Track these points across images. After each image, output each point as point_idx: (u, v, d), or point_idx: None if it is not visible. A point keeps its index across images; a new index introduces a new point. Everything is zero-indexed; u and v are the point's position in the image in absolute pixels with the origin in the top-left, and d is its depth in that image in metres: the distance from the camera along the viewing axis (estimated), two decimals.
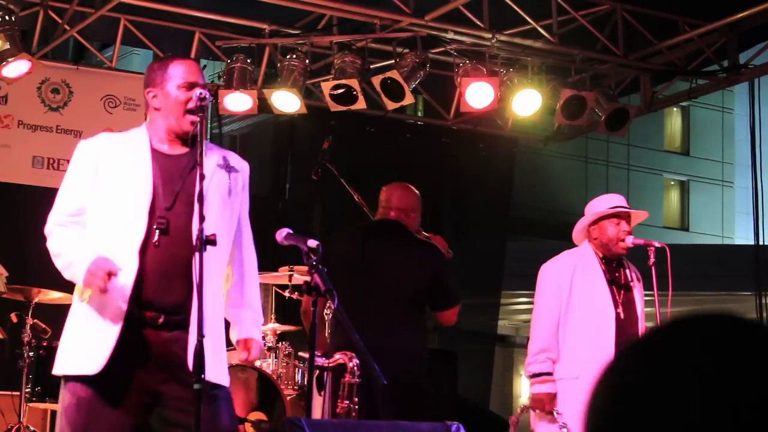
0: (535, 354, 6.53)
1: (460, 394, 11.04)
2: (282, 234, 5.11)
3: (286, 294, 8.62)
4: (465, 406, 11.08)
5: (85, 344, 4.47)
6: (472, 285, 15.34)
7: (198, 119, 4.54)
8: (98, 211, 4.56)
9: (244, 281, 4.84)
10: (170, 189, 4.53)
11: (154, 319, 4.48)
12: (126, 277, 4.43)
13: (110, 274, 4.32)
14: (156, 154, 4.62)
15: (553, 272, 6.62)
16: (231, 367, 7.10)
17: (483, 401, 13.19)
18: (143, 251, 4.47)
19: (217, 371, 4.51)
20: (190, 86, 4.61)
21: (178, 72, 4.65)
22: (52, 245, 4.61)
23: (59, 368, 4.57)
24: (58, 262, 4.58)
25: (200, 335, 4.21)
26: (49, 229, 4.64)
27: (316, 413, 7.20)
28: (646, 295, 6.71)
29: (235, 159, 4.84)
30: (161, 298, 4.48)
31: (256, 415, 7.59)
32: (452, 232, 15.60)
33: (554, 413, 6.37)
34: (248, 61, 10.90)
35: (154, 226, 4.49)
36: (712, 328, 1.35)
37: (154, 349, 4.48)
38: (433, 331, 18.44)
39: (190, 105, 4.58)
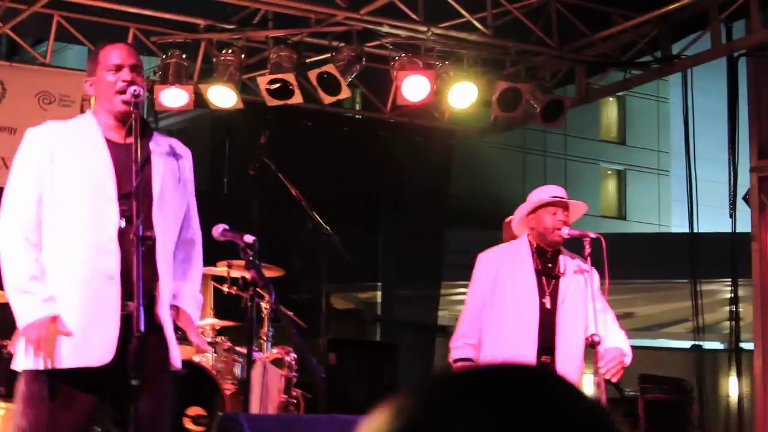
0: (456, 340, 6.60)
1: (401, 386, 11.06)
2: (218, 230, 5.13)
3: (225, 289, 8.61)
4: None
5: (84, 337, 4.44)
6: (411, 276, 15.42)
7: (130, 99, 4.56)
8: (62, 201, 4.54)
9: (190, 260, 4.88)
10: (127, 178, 4.52)
11: (128, 308, 4.47)
12: (111, 267, 4.45)
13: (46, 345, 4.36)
14: (108, 142, 4.64)
15: (482, 262, 6.69)
16: None
17: None
18: (120, 240, 4.49)
19: (176, 356, 4.62)
20: (118, 68, 4.64)
21: (106, 56, 4.70)
22: (6, 250, 4.54)
23: (48, 362, 4.45)
24: (7, 275, 4.53)
25: (138, 331, 4.24)
26: (9, 231, 4.55)
27: (255, 407, 7.23)
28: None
29: (180, 147, 4.91)
30: (129, 287, 4.46)
31: (195, 410, 7.58)
32: (391, 225, 15.67)
33: None
34: (183, 56, 10.89)
35: (121, 217, 4.51)
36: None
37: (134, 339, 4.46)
38: (373, 323, 18.55)
39: (119, 86, 4.60)
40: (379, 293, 17.50)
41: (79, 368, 4.43)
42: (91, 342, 4.44)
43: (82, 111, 9.67)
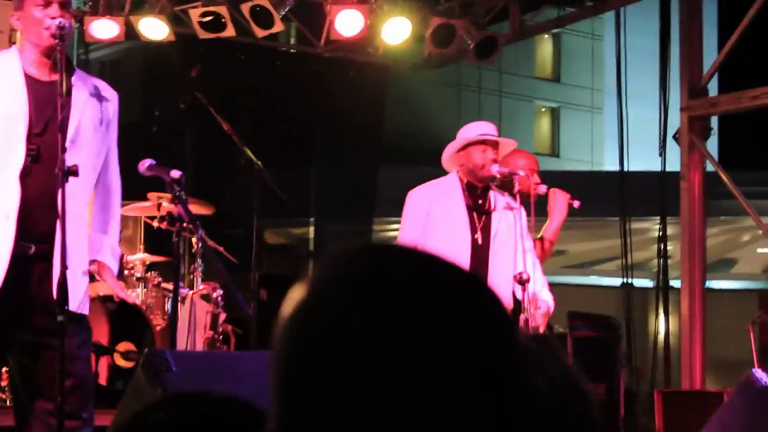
0: None
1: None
2: (144, 165, 5.09)
3: (155, 224, 8.57)
4: None
5: None
6: (345, 212, 15.45)
7: (56, 33, 4.50)
8: None
9: (109, 208, 4.84)
10: (43, 116, 4.49)
11: (26, 249, 4.43)
12: (9, 206, 4.40)
13: None
14: (29, 79, 4.59)
15: (412, 200, 6.71)
16: (99, 297, 7.09)
17: None
18: (22, 179, 4.44)
19: (76, 300, 4.52)
20: (47, 4, 4.58)
21: None
22: None
23: None
24: None
25: (63, 266, 4.21)
26: None
27: (182, 344, 7.23)
28: None
29: (105, 88, 4.85)
30: (35, 227, 4.43)
31: (125, 346, 7.58)
32: (325, 161, 15.67)
33: None
34: None
35: (29, 153, 4.45)
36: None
37: (30, 279, 4.44)
38: (306, 258, 18.57)
39: (46, 23, 4.53)
40: (311, 229, 17.52)
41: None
42: None
43: (11, 41, 9.56)
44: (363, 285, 1.30)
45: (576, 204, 7.49)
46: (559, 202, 7.36)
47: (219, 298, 7.81)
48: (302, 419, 1.26)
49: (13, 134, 4.46)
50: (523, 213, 6.75)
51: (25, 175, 4.44)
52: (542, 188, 7.01)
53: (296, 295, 1.34)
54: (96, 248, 4.72)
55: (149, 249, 8.99)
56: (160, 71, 14.55)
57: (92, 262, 4.72)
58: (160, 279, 8.48)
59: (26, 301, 4.41)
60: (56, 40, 4.51)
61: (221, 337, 7.91)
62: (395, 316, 1.26)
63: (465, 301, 1.31)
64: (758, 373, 5.19)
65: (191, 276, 8.60)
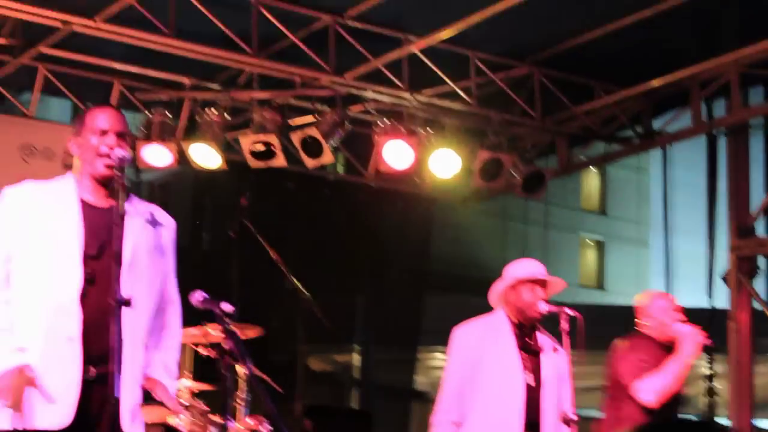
0: (437, 416, 6.55)
1: None
2: (197, 298, 5.11)
3: (202, 351, 8.55)
4: None
5: (42, 399, 4.39)
6: (389, 340, 15.38)
7: (114, 164, 4.55)
8: (28, 261, 4.51)
9: (167, 330, 4.87)
10: (97, 240, 4.50)
11: (87, 372, 4.44)
12: (71, 328, 4.41)
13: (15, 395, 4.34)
14: (83, 204, 4.62)
15: (461, 337, 6.64)
16: (147, 425, 7.05)
17: None
18: (82, 303, 4.45)
19: (134, 426, 4.53)
20: (104, 133, 4.63)
21: (93, 120, 4.68)
22: None
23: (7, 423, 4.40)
24: None
25: (114, 398, 4.21)
26: None
27: None
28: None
29: (161, 214, 4.88)
30: (94, 350, 4.42)
31: None
32: (370, 288, 15.66)
33: None
34: (168, 113, 10.87)
35: (84, 278, 4.47)
36: None
37: (92, 403, 4.42)
38: (350, 386, 18.45)
39: (102, 150, 4.59)
40: (355, 356, 17.44)
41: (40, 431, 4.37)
42: (49, 404, 4.39)
43: (65, 164, 9.68)
44: None
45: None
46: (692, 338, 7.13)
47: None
48: None
49: (67, 258, 4.48)
50: (566, 354, 6.69)
51: (84, 299, 4.46)
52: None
53: None
54: (147, 364, 4.72)
55: (195, 376, 8.95)
56: (209, 196, 14.66)
57: (146, 378, 4.72)
58: (206, 408, 8.42)
59: (92, 427, 4.38)
60: (110, 170, 4.55)
61: None
62: None
63: None
64: None
65: (238, 403, 8.54)
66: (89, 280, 4.47)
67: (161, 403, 5.02)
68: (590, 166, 12.97)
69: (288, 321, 9.86)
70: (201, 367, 8.81)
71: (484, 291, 6.85)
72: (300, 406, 8.33)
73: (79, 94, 11.25)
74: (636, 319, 7.37)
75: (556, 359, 6.59)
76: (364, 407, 15.23)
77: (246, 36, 10.01)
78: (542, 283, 6.60)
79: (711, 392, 12.67)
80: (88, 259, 4.50)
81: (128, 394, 4.47)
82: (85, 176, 4.68)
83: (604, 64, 10.92)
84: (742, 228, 11.53)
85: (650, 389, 6.86)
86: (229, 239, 9.80)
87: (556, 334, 6.69)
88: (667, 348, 7.06)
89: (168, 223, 4.85)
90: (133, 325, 4.50)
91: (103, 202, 4.63)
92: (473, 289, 10.81)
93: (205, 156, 10.83)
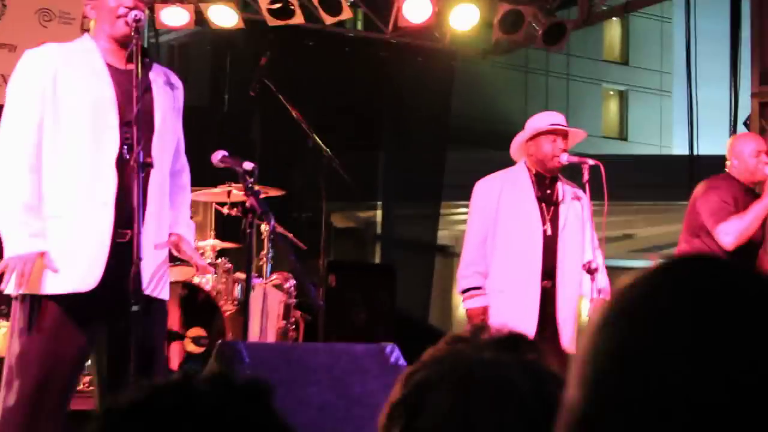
0: (464, 269, 6.65)
1: (400, 307, 11.14)
2: (218, 156, 5.15)
3: (225, 210, 8.64)
4: (404, 320, 11.18)
5: (72, 262, 4.45)
6: (412, 196, 15.46)
7: (132, 23, 4.55)
8: (63, 126, 4.52)
9: (182, 191, 4.94)
10: (130, 105, 4.51)
11: (123, 235, 4.50)
12: (107, 193, 4.47)
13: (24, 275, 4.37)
14: (110, 68, 4.62)
15: (482, 190, 6.72)
16: (172, 284, 7.17)
17: (422, 315, 13.32)
18: (119, 168, 4.49)
19: (161, 286, 4.62)
20: None
21: None
22: (5, 173, 4.51)
23: (36, 287, 4.44)
24: (3, 197, 4.49)
25: (138, 258, 4.28)
26: (9, 154, 4.52)
27: (254, 333, 7.29)
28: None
29: (173, 76, 4.90)
30: (131, 214, 4.45)
31: (196, 331, 7.66)
32: (392, 145, 15.69)
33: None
34: None
35: (124, 144, 4.51)
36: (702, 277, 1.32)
37: (125, 265, 4.43)
38: (373, 242, 18.62)
39: (121, 12, 4.58)
40: (379, 212, 17.55)
41: (68, 294, 4.45)
42: (78, 267, 4.44)
43: (83, 29, 9.66)
44: (712, 298, 1.26)
45: None
46: None
47: (291, 288, 7.86)
48: (613, 418, 1.24)
49: (104, 122, 4.50)
50: (587, 202, 6.73)
51: (121, 165, 4.49)
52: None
53: (627, 294, 1.31)
54: (172, 223, 4.79)
55: (219, 235, 9.06)
56: (228, 56, 14.60)
57: (172, 234, 4.79)
58: (230, 265, 8.55)
59: (123, 288, 4.43)
60: (129, 29, 4.56)
61: (294, 326, 7.97)
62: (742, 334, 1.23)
63: None
64: None
65: (260, 263, 8.66)
66: (129, 146, 4.49)
67: (186, 262, 5.10)
68: (612, 17, 12.82)
69: (310, 179, 9.93)
70: (224, 226, 8.92)
71: (506, 144, 6.88)
72: (323, 261, 8.42)
73: None
74: (725, 160, 7.18)
75: (576, 208, 6.66)
76: (388, 262, 15.35)
77: None
78: (563, 134, 6.62)
79: None
80: (124, 124, 4.52)
81: (152, 255, 4.54)
82: (104, 39, 4.68)
83: None
84: (765, 73, 11.45)
85: (730, 231, 6.77)
86: (250, 100, 9.84)
87: (579, 186, 6.74)
88: (751, 191, 6.99)
89: (179, 85, 4.89)
90: (160, 186, 4.58)
91: (125, 65, 4.65)
92: (495, 142, 10.83)
93: (223, 15, 10.76)
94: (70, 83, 4.55)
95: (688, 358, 1.20)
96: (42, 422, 4.46)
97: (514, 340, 1.56)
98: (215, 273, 8.34)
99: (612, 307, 1.29)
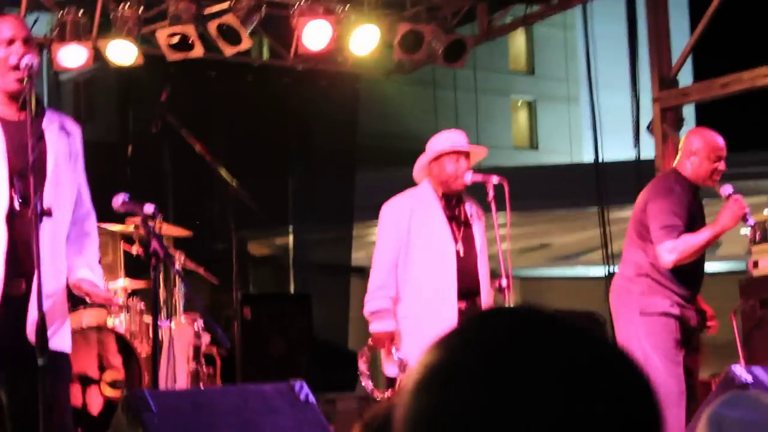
0: (373, 292, 6.60)
1: (317, 334, 11.15)
2: (118, 201, 5.12)
3: (133, 251, 8.57)
4: (323, 346, 11.19)
5: None
6: (323, 219, 15.47)
7: (23, 74, 4.50)
8: None
9: (87, 237, 4.87)
10: (21, 157, 4.46)
11: (17, 286, 4.44)
12: None
13: None
14: (1, 121, 4.58)
15: (391, 211, 6.70)
16: (82, 329, 7.10)
17: (341, 340, 13.31)
18: (9, 220, 4.44)
19: (60, 338, 4.55)
20: (10, 42, 4.56)
21: None
22: None
23: None
24: None
25: (41, 311, 4.22)
26: None
27: (165, 376, 7.23)
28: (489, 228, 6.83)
29: (69, 123, 4.84)
30: (23, 266, 4.43)
31: (112, 375, 7.58)
32: (301, 169, 15.70)
33: (392, 350, 6.44)
34: (81, 12, 10.68)
35: (15, 196, 4.45)
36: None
37: (20, 318, 4.42)
38: (290, 268, 18.54)
39: (12, 61, 4.53)
40: (292, 237, 17.52)
41: None
42: None
43: None
44: (503, 352, 1.32)
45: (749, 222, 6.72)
46: (733, 211, 6.55)
47: (200, 330, 7.82)
48: None
49: None
50: (481, 224, 6.76)
51: (11, 217, 4.43)
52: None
53: (431, 358, 1.37)
54: (71, 268, 4.73)
55: (130, 274, 8.98)
56: (133, 90, 14.54)
57: (71, 284, 4.73)
58: (142, 306, 8.48)
59: (20, 340, 4.37)
60: (22, 84, 4.51)
61: (204, 364, 7.92)
62: (535, 384, 1.28)
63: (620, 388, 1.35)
64: (737, 369, 5.22)
65: (174, 299, 8.60)
66: (23, 200, 4.44)
67: (100, 305, 5.05)
68: (511, 32, 12.92)
69: (223, 209, 9.90)
70: (135, 265, 8.85)
71: (415, 162, 6.86)
72: (238, 295, 8.39)
73: None
74: (679, 153, 6.88)
75: (481, 228, 6.70)
76: (303, 288, 15.34)
77: None
78: (465, 154, 6.63)
79: None
80: (16, 178, 4.46)
81: (50, 306, 4.45)
82: None
83: None
84: (664, 79, 11.60)
85: (677, 250, 6.42)
86: (158, 133, 9.79)
87: (485, 204, 6.77)
88: (698, 193, 6.71)
89: (76, 131, 4.83)
90: (55, 234, 4.53)
91: (17, 116, 4.60)
92: (407, 161, 10.85)
93: (122, 52, 10.70)
94: None
95: (483, 419, 1.25)
96: None
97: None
98: (128, 313, 8.27)
99: (417, 371, 1.35)
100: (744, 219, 6.50)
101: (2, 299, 4.42)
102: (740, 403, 2.53)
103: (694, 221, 6.55)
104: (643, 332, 6.42)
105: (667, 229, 6.42)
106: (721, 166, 6.66)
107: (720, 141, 6.69)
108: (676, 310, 6.42)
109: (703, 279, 6.78)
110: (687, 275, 6.51)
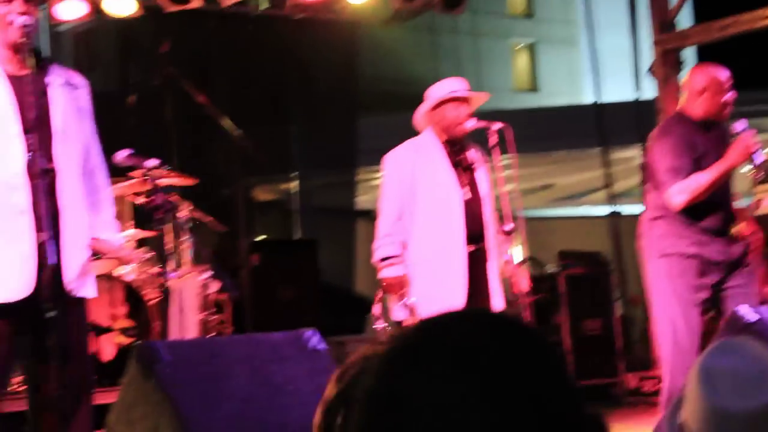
0: (381, 239, 6.64)
1: (325, 280, 11.19)
2: (121, 155, 5.15)
3: (139, 201, 8.57)
4: (331, 291, 11.24)
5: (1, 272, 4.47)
6: (327, 164, 15.50)
7: (22, 29, 4.54)
8: None
9: (98, 190, 4.90)
10: (30, 111, 4.51)
11: (41, 238, 4.48)
12: (22, 201, 4.47)
13: None
14: (9, 77, 4.61)
15: (395, 162, 6.73)
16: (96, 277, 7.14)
17: (348, 284, 13.36)
18: (30, 173, 4.49)
19: (83, 284, 4.61)
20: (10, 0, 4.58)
21: None
22: None
23: None
24: None
25: (50, 263, 4.28)
26: None
27: (174, 329, 7.28)
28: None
29: (76, 77, 4.88)
30: (42, 218, 4.46)
31: (123, 323, 7.62)
32: (303, 117, 15.71)
33: (403, 294, 6.50)
34: None
35: (27, 150, 4.50)
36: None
37: (44, 265, 4.47)
38: (295, 212, 18.60)
39: (10, 16, 4.57)
40: (296, 183, 17.55)
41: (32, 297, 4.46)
42: (7, 277, 4.45)
43: None
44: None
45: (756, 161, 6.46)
46: (740, 148, 6.38)
47: (208, 281, 7.83)
48: None
49: (6, 131, 4.51)
50: (486, 171, 6.79)
51: (30, 170, 4.47)
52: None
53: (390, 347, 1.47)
54: (92, 225, 4.79)
55: (138, 224, 9.00)
56: (134, 41, 14.51)
57: (92, 239, 4.79)
58: (152, 252, 8.50)
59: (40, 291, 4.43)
60: (24, 38, 4.55)
61: (215, 311, 7.93)
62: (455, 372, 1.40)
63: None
64: (743, 309, 5.21)
65: (181, 248, 8.62)
66: (31, 152, 4.48)
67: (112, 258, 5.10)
68: None
69: (228, 156, 9.92)
70: (142, 214, 8.87)
71: (417, 106, 6.87)
72: (245, 242, 8.42)
73: None
74: (684, 93, 6.67)
75: (485, 172, 6.74)
76: (309, 233, 15.38)
77: None
78: (465, 100, 6.65)
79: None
80: (27, 131, 4.50)
81: (73, 254, 4.55)
82: (1, 47, 4.65)
83: None
84: (663, 22, 11.59)
85: (684, 190, 6.34)
86: (159, 85, 9.81)
87: (486, 150, 6.80)
88: (706, 127, 6.56)
89: (84, 85, 4.86)
90: (70, 188, 4.57)
91: (22, 70, 4.63)
92: (408, 106, 10.85)
93: (120, 4, 10.65)
94: None
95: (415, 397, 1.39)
96: None
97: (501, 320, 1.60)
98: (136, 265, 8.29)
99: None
100: (751, 157, 6.38)
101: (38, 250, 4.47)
102: (728, 351, 2.55)
103: (704, 159, 6.41)
104: (663, 273, 6.42)
105: (672, 171, 6.35)
106: (730, 97, 6.52)
107: (723, 74, 6.53)
108: (693, 249, 6.35)
109: (730, 206, 6.61)
110: (708, 208, 6.41)
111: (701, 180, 6.32)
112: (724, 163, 6.36)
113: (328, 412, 1.53)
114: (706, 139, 6.52)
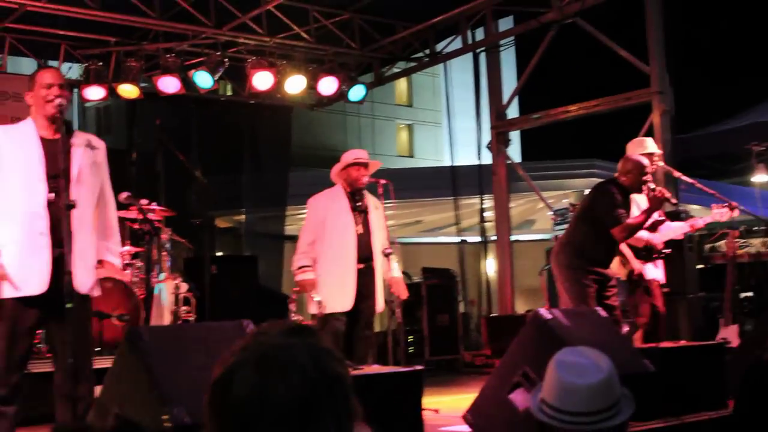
0: (299, 254, 6.62)
1: (261, 284, 11.09)
2: (123, 196, 5.08)
3: (135, 226, 8.45)
4: (266, 293, 11.16)
5: (25, 274, 4.38)
6: (266, 203, 15.50)
7: (57, 107, 4.48)
8: (6, 181, 4.43)
9: (107, 223, 4.78)
10: (56, 164, 4.42)
11: (56, 253, 4.40)
12: (43, 226, 4.38)
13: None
14: (41, 139, 4.53)
15: (313, 204, 6.74)
16: (101, 280, 6.99)
17: (278, 287, 13.28)
18: (49, 208, 4.41)
19: (87, 285, 4.53)
20: (49, 86, 4.54)
21: (41, 78, 4.60)
22: None
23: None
24: None
25: (68, 270, 4.21)
26: None
27: (156, 319, 7.16)
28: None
29: (95, 140, 4.78)
30: (58, 239, 4.37)
31: (119, 311, 7.48)
32: (250, 170, 15.69)
33: (312, 294, 6.50)
34: (100, 63, 10.71)
35: (48, 191, 4.42)
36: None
37: (58, 273, 4.36)
38: (242, 238, 18.43)
39: (49, 98, 4.50)
40: (243, 216, 17.44)
41: (24, 297, 4.40)
42: (30, 278, 4.39)
43: (28, 105, 9.36)
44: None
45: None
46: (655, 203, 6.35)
47: (179, 283, 7.74)
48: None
49: (34, 177, 4.43)
50: (382, 210, 6.79)
51: (50, 205, 4.40)
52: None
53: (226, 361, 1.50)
54: (100, 251, 4.69)
55: (133, 242, 8.86)
56: (138, 114, 14.34)
57: (99, 261, 4.69)
58: (141, 264, 8.36)
59: (58, 291, 4.34)
60: (56, 111, 4.50)
61: (183, 306, 7.81)
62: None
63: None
64: (542, 310, 5.27)
65: (163, 259, 8.49)
66: (52, 192, 4.41)
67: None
68: (398, 78, 12.99)
69: (198, 198, 9.81)
70: (136, 235, 8.74)
71: (331, 165, 6.89)
72: (208, 257, 8.30)
73: (37, 53, 10.90)
74: (620, 166, 6.47)
75: (379, 212, 6.75)
76: (252, 251, 15.27)
77: (151, 4, 9.80)
78: (365, 165, 6.68)
79: (483, 219, 13.13)
80: (50, 178, 4.44)
81: (82, 264, 4.45)
82: (39, 117, 4.60)
83: (401, 7, 10.92)
84: (498, 113, 11.76)
85: (627, 232, 6.32)
86: (155, 145, 9.68)
87: (377, 197, 6.82)
88: (627, 191, 6.47)
89: (101, 146, 4.76)
90: (81, 219, 4.48)
91: (53, 135, 4.56)
92: (324, 164, 10.86)
93: (128, 90, 10.61)
94: (12, 152, 4.49)
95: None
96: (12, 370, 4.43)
97: (299, 328, 1.52)
98: (130, 270, 8.14)
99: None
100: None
101: (52, 260, 4.39)
102: (573, 351, 2.68)
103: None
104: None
105: (616, 219, 6.32)
106: (649, 179, 6.44)
107: (645, 163, 6.46)
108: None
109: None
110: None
111: (639, 223, 6.36)
112: (651, 211, 6.35)
113: (212, 390, 1.47)
114: (627, 200, 6.50)
